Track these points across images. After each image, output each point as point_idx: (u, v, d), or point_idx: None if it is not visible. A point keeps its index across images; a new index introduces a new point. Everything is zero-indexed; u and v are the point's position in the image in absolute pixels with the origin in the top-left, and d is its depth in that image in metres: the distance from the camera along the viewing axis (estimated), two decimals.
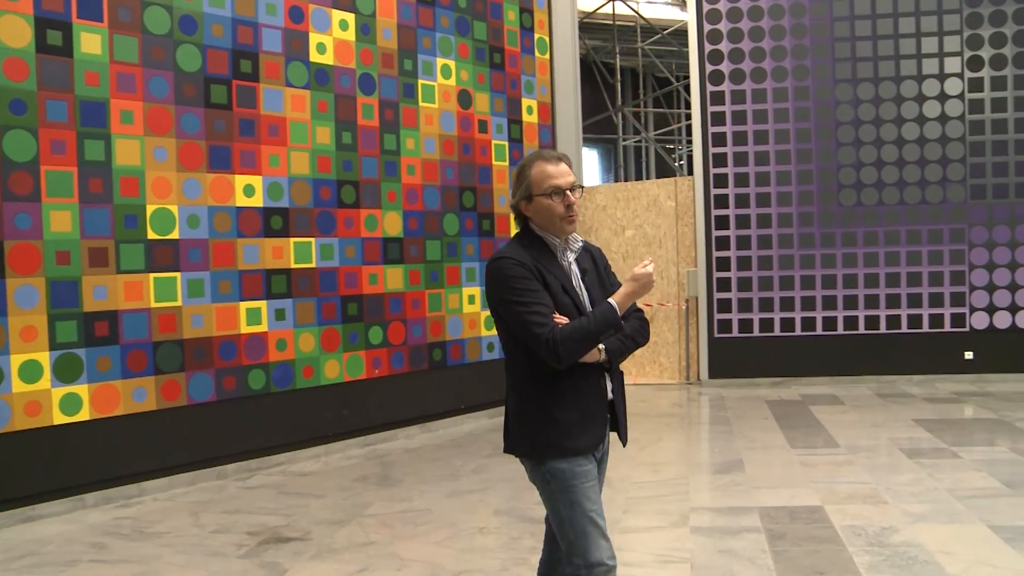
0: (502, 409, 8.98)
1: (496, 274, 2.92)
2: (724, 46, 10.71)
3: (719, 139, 10.68)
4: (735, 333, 10.62)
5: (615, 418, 3.09)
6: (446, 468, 6.94)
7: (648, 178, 23.66)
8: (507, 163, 9.21)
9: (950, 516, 5.31)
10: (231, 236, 6.83)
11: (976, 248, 10.33)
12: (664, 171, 23.91)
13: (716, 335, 10.66)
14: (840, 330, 10.44)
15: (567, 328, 2.83)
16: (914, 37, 10.47)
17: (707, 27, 10.75)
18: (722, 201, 10.64)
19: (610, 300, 2.92)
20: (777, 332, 10.53)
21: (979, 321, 10.32)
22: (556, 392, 2.93)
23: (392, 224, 8.04)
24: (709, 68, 10.75)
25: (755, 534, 5.07)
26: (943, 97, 10.43)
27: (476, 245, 8.84)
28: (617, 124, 21.78)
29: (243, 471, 6.84)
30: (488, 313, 8.74)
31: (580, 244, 3.09)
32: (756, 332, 10.57)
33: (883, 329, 10.41)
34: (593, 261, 3.13)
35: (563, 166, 2.99)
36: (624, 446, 3.19)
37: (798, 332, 10.50)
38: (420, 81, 8.35)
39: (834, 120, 10.53)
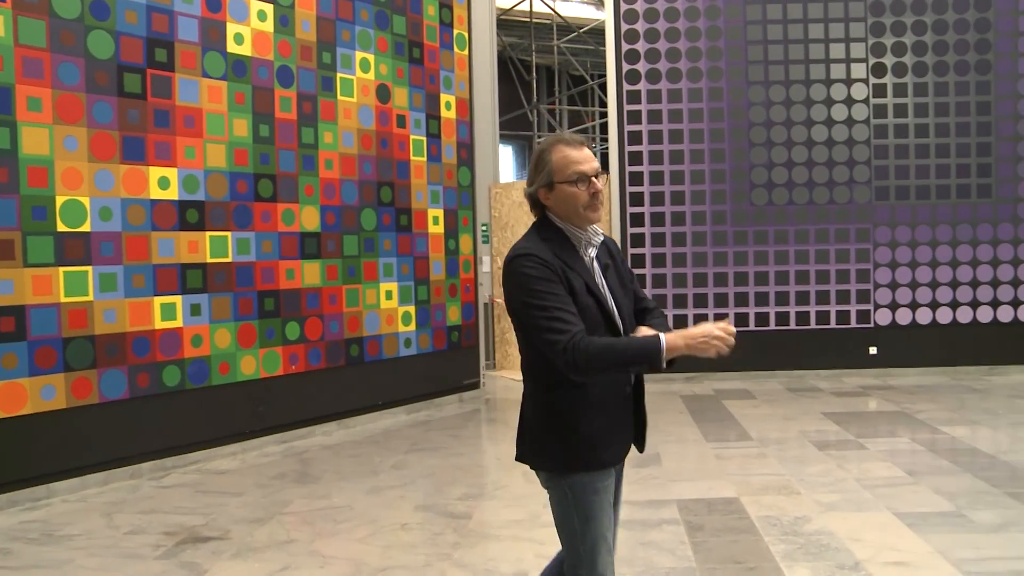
0: (419, 405, 9.03)
1: (515, 273, 2.67)
2: (641, 46, 10.86)
3: (635, 138, 10.83)
4: None
5: (639, 425, 2.93)
6: (365, 465, 6.90)
7: None
8: (424, 158, 9.18)
9: (858, 505, 5.51)
10: (145, 229, 6.66)
11: (880, 247, 10.70)
12: None
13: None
14: (752, 326, 10.70)
15: (599, 344, 2.56)
16: (823, 43, 10.79)
17: (624, 27, 10.88)
18: (637, 199, 10.80)
19: (661, 336, 2.58)
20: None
21: (882, 317, 10.70)
22: (580, 402, 2.71)
23: (309, 219, 7.94)
24: (626, 67, 10.88)
25: (674, 526, 5.18)
26: (850, 101, 10.77)
27: (394, 240, 8.80)
28: (532, 121, 21.89)
29: (158, 470, 6.69)
30: (406, 309, 8.73)
31: (601, 238, 2.85)
32: (670, 328, 10.72)
33: (793, 325, 10.71)
34: (610, 255, 2.92)
35: (586, 151, 2.75)
36: (640, 452, 3.00)
37: None
38: (339, 74, 8.27)
39: (747, 121, 10.78)
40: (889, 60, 10.79)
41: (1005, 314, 10.72)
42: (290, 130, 7.79)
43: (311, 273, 7.94)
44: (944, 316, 10.69)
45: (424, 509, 5.69)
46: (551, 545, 4.86)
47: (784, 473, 6.29)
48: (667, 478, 6.26)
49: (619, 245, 10.56)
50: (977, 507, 5.41)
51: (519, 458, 2.88)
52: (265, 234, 7.54)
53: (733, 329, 2.62)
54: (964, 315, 10.69)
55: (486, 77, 11.80)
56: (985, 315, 10.70)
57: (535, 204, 2.83)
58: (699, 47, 10.81)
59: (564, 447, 2.72)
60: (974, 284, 10.70)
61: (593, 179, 2.73)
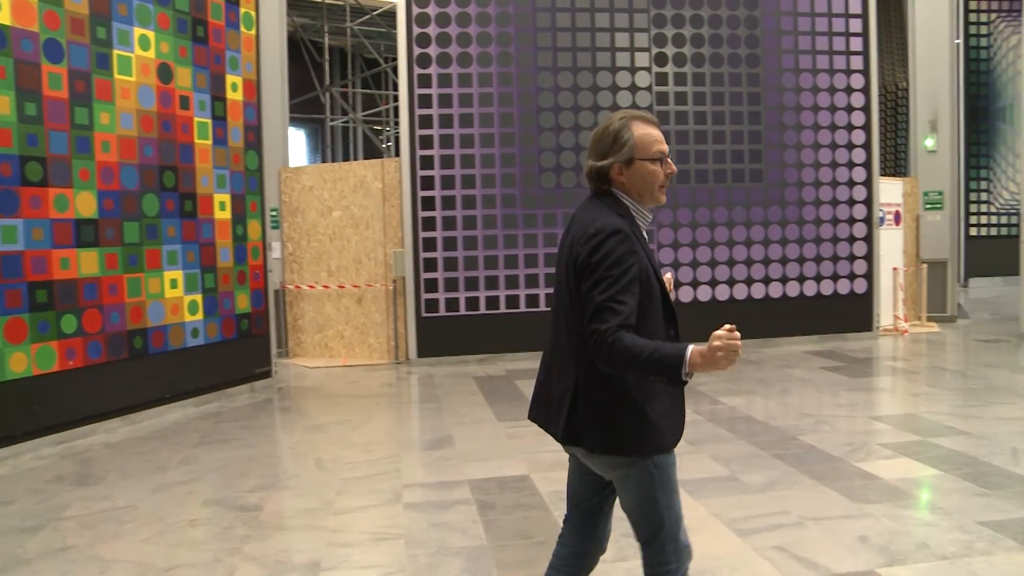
0: (209, 396, 8.73)
1: (602, 250, 2.62)
2: (432, 30, 10.88)
3: (426, 121, 10.85)
4: (442, 312, 10.89)
5: None
6: (151, 461, 6.63)
7: (356, 159, 23.63)
8: (210, 141, 8.87)
9: None
10: None
11: (663, 228, 11.25)
12: (372, 152, 24.00)
13: (424, 314, 10.88)
14: (542, 307, 10.99)
15: (630, 343, 2.52)
16: (608, 31, 11.17)
17: (416, 10, 10.86)
18: (428, 183, 10.85)
19: (688, 349, 2.48)
20: (483, 310, 10.92)
21: None
22: (648, 387, 2.70)
23: (85, 204, 7.51)
24: (417, 51, 10.88)
25: (466, 506, 5.28)
26: (634, 88, 11.23)
27: (178, 227, 8.46)
28: (325, 104, 21.54)
29: None
30: (192, 298, 8.43)
31: (650, 219, 2.88)
32: (463, 311, 10.90)
33: None
34: None
35: (660, 131, 2.79)
36: None
37: (503, 310, 10.94)
38: (115, 51, 7.84)
39: (536, 106, 11.02)
40: (670, 50, 11.32)
41: (775, 290, 11.53)
42: (61, 109, 7.32)
43: (88, 262, 7.53)
44: (722, 293, 11.37)
45: (213, 504, 5.54)
46: (344, 532, 4.88)
47: None
48: (460, 459, 6.37)
49: (411, 230, 10.63)
50: (748, 470, 5.83)
51: (568, 440, 2.82)
52: (35, 221, 7.07)
53: (736, 334, 2.46)
54: (740, 292, 11.41)
55: (275, 58, 11.52)
56: (758, 291, 11.46)
57: (601, 179, 2.80)
58: (489, 32, 10.96)
59: (642, 431, 2.71)
60: (748, 263, 11.43)
61: (668, 159, 2.78)
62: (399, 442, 7.16)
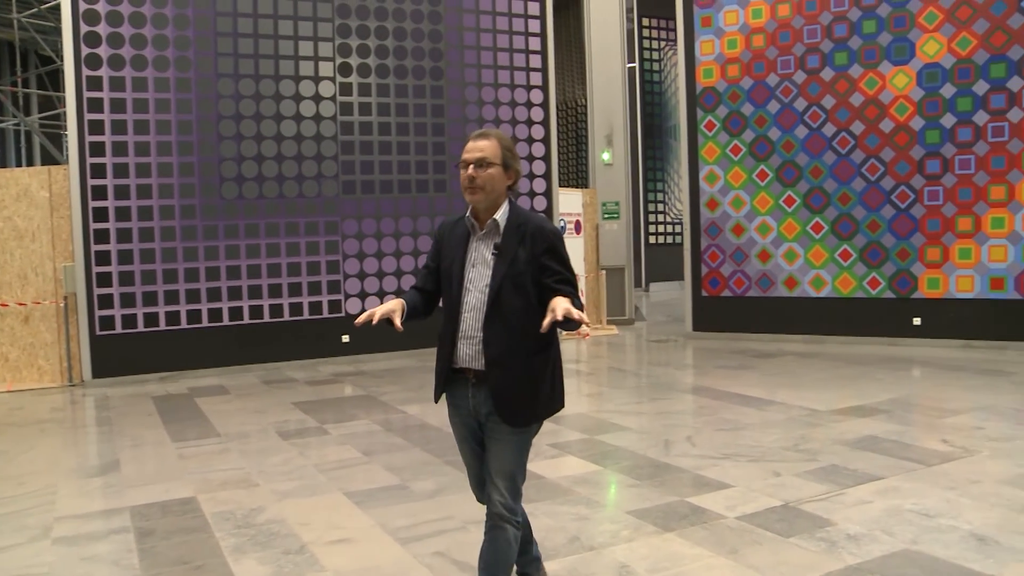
0: None
1: None
2: (103, 29, 10.22)
3: (97, 127, 10.19)
4: (119, 329, 10.26)
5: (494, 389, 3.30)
6: None
7: (34, 166, 21.84)
8: None
9: (312, 489, 5.76)
10: None
11: (348, 239, 11.26)
12: (53, 159, 22.25)
13: (99, 332, 10.19)
14: (226, 321, 10.66)
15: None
16: (292, 39, 11.04)
17: (83, 6, 10.14)
18: (100, 192, 10.19)
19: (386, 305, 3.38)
20: (163, 326, 10.40)
21: (353, 306, 11.29)
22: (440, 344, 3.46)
23: None
24: (86, 51, 10.18)
25: (123, 535, 5.00)
26: (318, 98, 11.16)
27: None
28: None
29: None
30: None
31: (493, 224, 3.27)
32: (141, 327, 10.32)
33: (267, 318, 10.86)
34: (520, 241, 3.23)
35: (480, 142, 3.21)
36: (510, 424, 3.35)
37: (184, 325, 10.48)
38: None
39: (216, 114, 10.67)
40: (355, 60, 11.37)
41: None
42: None
43: None
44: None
45: None
46: None
47: (245, 467, 6.36)
48: (124, 485, 6.03)
49: (83, 242, 9.88)
50: (419, 478, 5.92)
51: None
52: None
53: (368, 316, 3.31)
54: None
55: None
56: None
57: None
58: (166, 35, 10.47)
59: None
60: None
61: (472, 166, 3.19)
62: (59, 471, 6.64)
